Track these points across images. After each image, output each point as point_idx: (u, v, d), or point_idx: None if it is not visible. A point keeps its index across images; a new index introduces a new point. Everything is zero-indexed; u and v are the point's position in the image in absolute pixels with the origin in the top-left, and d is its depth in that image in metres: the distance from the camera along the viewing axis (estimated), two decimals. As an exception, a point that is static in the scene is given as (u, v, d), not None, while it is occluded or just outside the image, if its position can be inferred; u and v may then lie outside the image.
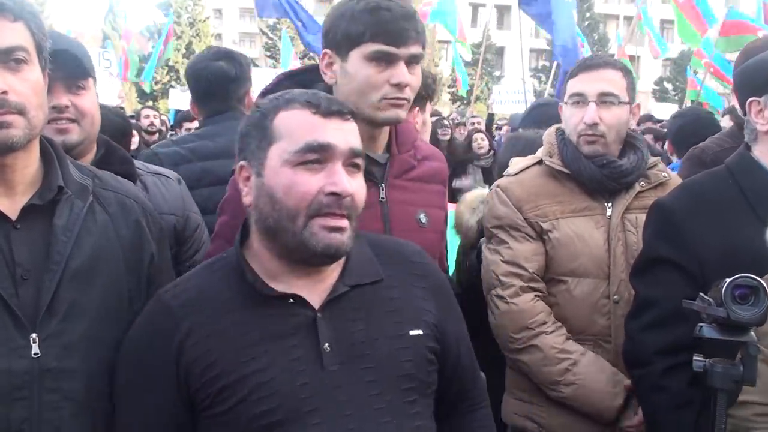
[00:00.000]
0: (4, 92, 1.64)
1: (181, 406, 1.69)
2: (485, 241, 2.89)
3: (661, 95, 46.46)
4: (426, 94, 3.21)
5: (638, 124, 10.07)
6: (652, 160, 2.85)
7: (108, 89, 11.53)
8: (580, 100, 2.71)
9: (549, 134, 2.90)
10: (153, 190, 2.56)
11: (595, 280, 2.68)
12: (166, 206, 2.55)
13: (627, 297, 2.64)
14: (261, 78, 9.24)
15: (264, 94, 2.27)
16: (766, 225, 2.12)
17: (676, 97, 40.37)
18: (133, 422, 1.74)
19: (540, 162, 2.84)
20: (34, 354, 1.65)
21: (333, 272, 1.79)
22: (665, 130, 8.66)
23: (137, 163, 2.63)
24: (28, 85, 1.69)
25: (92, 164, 2.30)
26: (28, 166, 1.77)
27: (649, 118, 10.77)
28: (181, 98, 16.00)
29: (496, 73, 51.24)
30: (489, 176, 7.71)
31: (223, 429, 1.67)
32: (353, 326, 1.74)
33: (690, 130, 5.16)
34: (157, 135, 9.77)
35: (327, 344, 1.70)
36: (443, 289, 1.95)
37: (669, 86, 48.29)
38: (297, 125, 1.71)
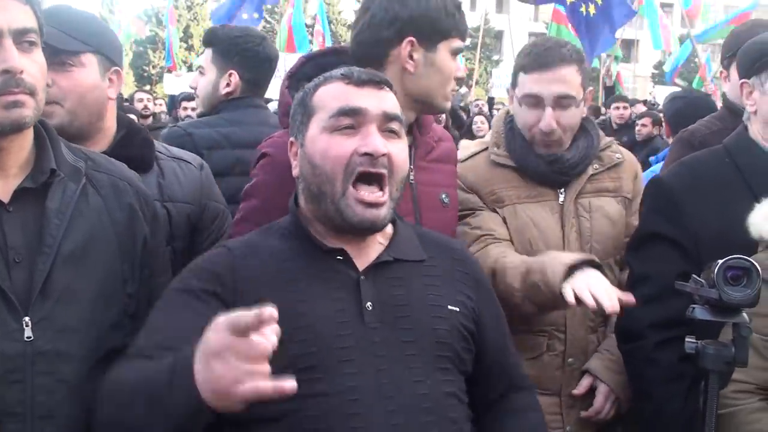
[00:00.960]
0: (21, 72, 1.65)
1: None
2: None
3: (660, 79, 46.32)
4: None
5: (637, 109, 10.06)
6: (606, 141, 2.78)
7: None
8: (536, 102, 2.60)
9: (498, 120, 2.82)
10: (170, 177, 2.45)
11: None
12: (181, 194, 2.45)
13: None
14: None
15: (290, 76, 2.38)
16: (760, 203, 2.14)
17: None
18: (161, 324, 1.74)
19: (486, 149, 2.77)
20: (27, 337, 1.66)
21: (378, 244, 1.88)
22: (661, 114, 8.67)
23: (159, 146, 2.54)
24: (37, 68, 1.72)
25: (112, 145, 2.31)
26: (22, 148, 1.77)
27: (646, 103, 10.74)
28: (175, 83, 15.99)
29: (495, 57, 51.09)
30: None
31: None
32: (394, 290, 1.82)
33: (688, 112, 5.14)
34: (150, 118, 9.81)
35: (369, 303, 1.77)
36: (482, 281, 2.03)
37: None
38: (332, 96, 1.84)
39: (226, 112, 3.23)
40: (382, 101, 1.84)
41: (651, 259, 2.37)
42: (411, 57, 2.26)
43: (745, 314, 1.77)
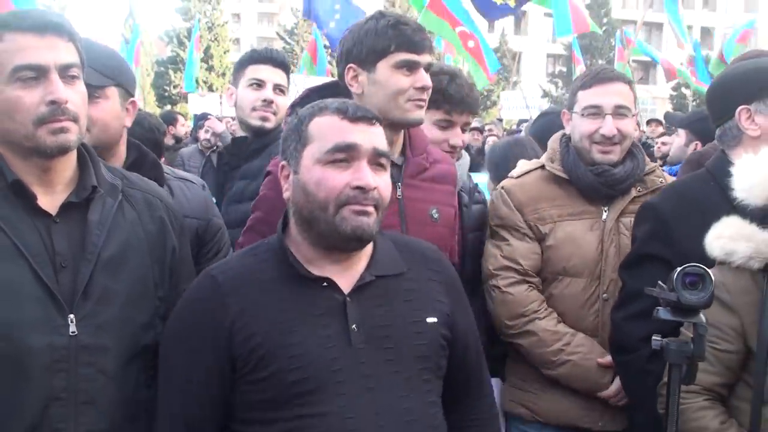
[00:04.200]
0: (66, 102, 1.88)
1: (222, 369, 1.89)
2: (488, 236, 3.07)
3: (678, 101, 46.31)
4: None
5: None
6: (650, 166, 3.03)
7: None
8: (597, 112, 2.89)
9: (554, 140, 3.08)
10: (178, 193, 2.66)
11: (587, 279, 2.88)
12: (189, 210, 2.64)
13: (615, 296, 2.83)
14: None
15: (293, 106, 2.61)
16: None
17: (694, 102, 40.23)
18: (177, 378, 1.95)
19: (543, 166, 3.03)
20: (72, 332, 1.87)
21: (361, 262, 2.00)
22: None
23: (166, 168, 2.78)
24: (79, 97, 1.95)
25: (125, 167, 2.51)
26: (67, 168, 2.00)
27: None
28: (200, 103, 16.30)
29: (513, 79, 51.34)
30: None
31: (260, 394, 1.87)
32: (377, 311, 1.95)
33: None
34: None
35: (354, 325, 1.91)
36: (455, 284, 2.16)
37: (687, 92, 48.15)
38: (327, 129, 1.94)
39: None
40: (374, 137, 1.95)
41: (643, 277, 2.47)
42: (356, 81, 2.49)
43: (702, 315, 1.97)
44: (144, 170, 2.50)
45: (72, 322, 1.88)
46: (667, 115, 9.49)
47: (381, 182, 1.94)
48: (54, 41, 1.91)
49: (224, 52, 44.83)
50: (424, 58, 2.47)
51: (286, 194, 2.02)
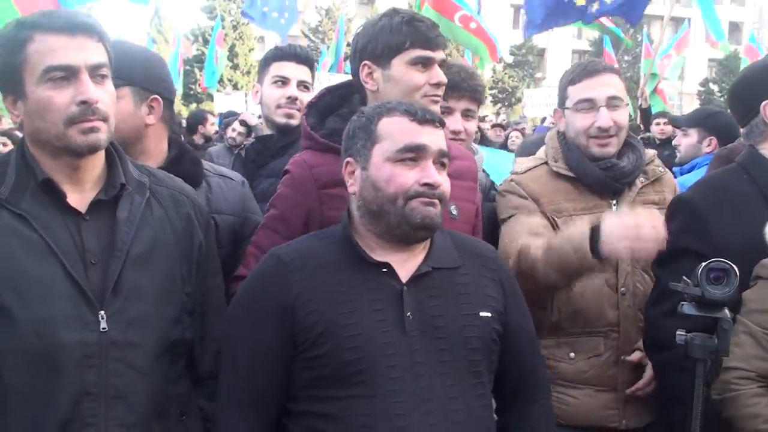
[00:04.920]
0: (96, 102, 1.92)
1: (284, 344, 1.99)
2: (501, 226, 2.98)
3: (706, 96, 45.84)
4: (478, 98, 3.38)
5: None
6: (649, 155, 3.02)
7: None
8: (590, 105, 2.87)
9: (551, 138, 3.06)
10: (216, 190, 2.67)
11: (605, 274, 2.85)
12: (226, 207, 2.67)
13: (632, 289, 2.84)
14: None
15: (310, 106, 2.65)
16: None
17: (721, 98, 39.82)
18: (241, 354, 2.04)
19: (545, 163, 3.00)
20: (102, 328, 1.91)
21: (420, 254, 2.10)
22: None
23: (206, 164, 2.80)
24: (109, 97, 1.99)
25: (165, 163, 2.54)
26: (96, 166, 2.04)
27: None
28: (226, 101, 16.38)
29: (538, 75, 51.08)
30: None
31: (316, 371, 1.97)
32: (432, 301, 2.04)
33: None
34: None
35: (410, 313, 1.99)
36: (510, 282, 2.23)
37: (715, 87, 47.67)
38: (398, 129, 2.07)
39: None
40: (439, 139, 2.09)
41: (678, 273, 2.45)
42: (371, 78, 2.50)
43: (726, 310, 1.97)
44: (183, 166, 2.53)
45: (102, 318, 1.91)
46: (671, 119, 9.45)
47: (443, 180, 2.07)
48: (84, 42, 1.94)
49: (249, 51, 44.97)
50: (438, 55, 2.49)
51: (351, 188, 2.12)
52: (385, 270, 2.03)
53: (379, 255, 2.06)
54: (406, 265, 2.06)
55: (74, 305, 1.89)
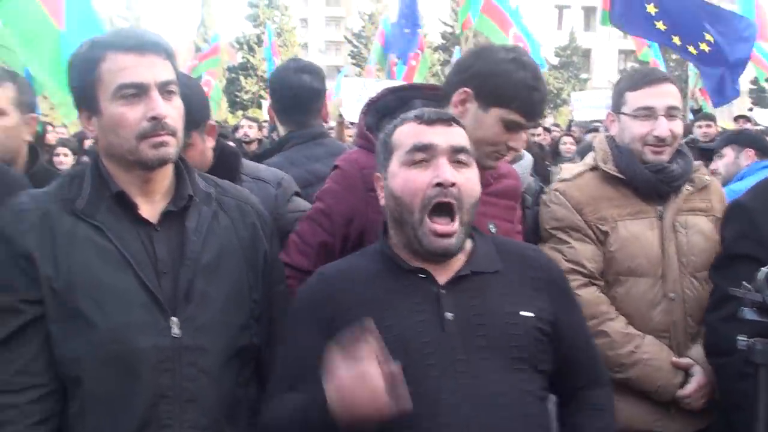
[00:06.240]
0: (165, 117, 2.00)
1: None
2: (543, 242, 3.02)
3: (758, 95, 44.88)
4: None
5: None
6: (695, 164, 3.02)
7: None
8: (649, 113, 2.87)
9: (601, 141, 3.07)
10: None
11: (651, 279, 2.85)
12: None
13: (681, 294, 2.83)
14: (349, 88, 9.59)
15: (370, 104, 2.69)
16: None
17: (773, 95, 38.91)
18: (291, 356, 2.08)
19: (593, 168, 3.01)
20: (175, 334, 1.98)
21: (459, 260, 2.11)
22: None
23: (246, 168, 2.89)
24: (177, 112, 2.07)
25: (210, 168, 2.62)
26: (165, 178, 2.12)
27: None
28: (272, 108, 16.54)
29: (583, 76, 50.60)
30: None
31: None
32: (471, 302, 2.05)
33: None
34: (256, 144, 10.18)
35: (448, 313, 2.01)
36: (558, 283, 2.23)
37: (766, 85, 46.64)
38: (407, 134, 2.11)
39: (294, 150, 3.50)
40: (450, 136, 2.08)
41: (736, 278, 2.40)
42: (463, 105, 2.49)
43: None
44: (220, 173, 2.57)
45: (175, 324, 1.99)
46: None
47: (462, 178, 2.05)
48: (153, 60, 2.03)
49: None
50: (530, 123, 2.51)
51: (381, 201, 2.17)
52: (422, 276, 2.07)
53: (416, 263, 2.09)
54: (444, 271, 2.09)
55: (148, 312, 1.97)
